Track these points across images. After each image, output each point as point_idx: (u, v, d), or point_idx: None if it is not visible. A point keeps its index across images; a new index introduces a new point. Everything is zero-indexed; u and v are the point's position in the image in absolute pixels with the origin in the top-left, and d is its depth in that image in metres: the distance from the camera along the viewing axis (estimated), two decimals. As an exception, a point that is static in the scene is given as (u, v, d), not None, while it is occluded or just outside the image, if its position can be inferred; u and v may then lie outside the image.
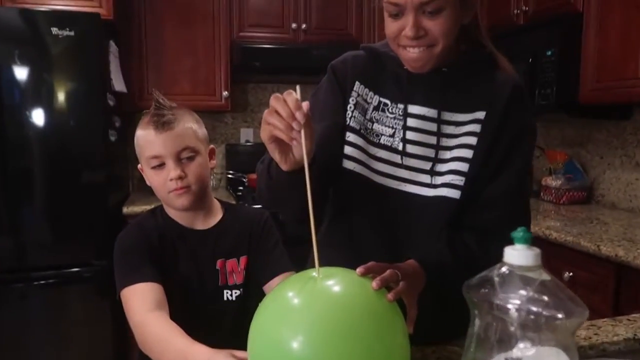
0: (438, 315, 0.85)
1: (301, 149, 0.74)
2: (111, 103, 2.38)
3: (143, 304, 0.92)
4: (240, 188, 2.87)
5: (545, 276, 0.53)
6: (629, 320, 1.03)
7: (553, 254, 1.85)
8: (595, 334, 0.96)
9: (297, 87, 0.77)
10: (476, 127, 0.93)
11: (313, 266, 0.70)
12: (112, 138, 2.40)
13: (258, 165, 0.97)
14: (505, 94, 0.93)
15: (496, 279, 0.54)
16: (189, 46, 2.77)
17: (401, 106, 0.96)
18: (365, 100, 0.99)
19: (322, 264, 0.77)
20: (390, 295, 0.67)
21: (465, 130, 0.94)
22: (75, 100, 2.21)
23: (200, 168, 1.02)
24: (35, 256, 2.24)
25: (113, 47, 2.44)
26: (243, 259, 1.08)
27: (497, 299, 0.52)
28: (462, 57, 0.94)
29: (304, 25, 2.91)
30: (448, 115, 0.94)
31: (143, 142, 1.02)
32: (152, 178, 1.02)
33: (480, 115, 0.93)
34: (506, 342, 0.53)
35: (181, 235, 1.06)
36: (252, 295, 1.10)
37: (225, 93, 2.82)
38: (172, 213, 1.07)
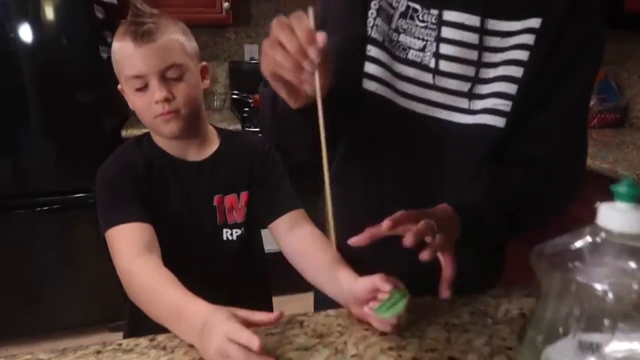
0: (470, 262, 0.72)
1: (314, 86, 0.59)
2: (100, 15, 2.16)
3: (131, 248, 0.79)
4: (246, 109, 2.69)
5: (653, 245, 0.39)
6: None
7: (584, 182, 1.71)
8: None
9: (310, 11, 0.59)
10: (529, 39, 0.75)
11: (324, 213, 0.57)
12: (104, 55, 2.19)
13: (261, 88, 0.80)
14: None
15: (584, 248, 0.39)
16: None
17: (435, 12, 0.77)
18: (391, 5, 0.80)
19: (337, 207, 0.64)
20: (425, 254, 0.54)
21: (515, 43, 0.76)
22: (62, 13, 2.01)
23: (190, 88, 0.85)
24: (36, 181, 2.16)
25: (97, -50, 2.16)
26: (244, 195, 0.94)
27: (583, 275, 0.38)
28: None
29: None
30: (493, 24, 0.76)
31: (120, 58, 0.84)
32: (135, 101, 0.85)
33: (535, 23, 0.75)
34: (588, 316, 0.40)
35: (172, 167, 0.91)
36: (255, 235, 0.99)
37: (225, 4, 2.55)
38: (161, 142, 0.92)
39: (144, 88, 0.83)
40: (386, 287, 0.66)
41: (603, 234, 0.39)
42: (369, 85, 0.80)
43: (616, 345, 0.40)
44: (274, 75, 0.62)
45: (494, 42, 0.77)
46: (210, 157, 0.94)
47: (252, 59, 2.96)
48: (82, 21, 2.06)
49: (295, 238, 0.90)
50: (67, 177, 2.19)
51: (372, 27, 0.79)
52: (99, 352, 0.66)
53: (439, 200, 0.72)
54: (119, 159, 0.92)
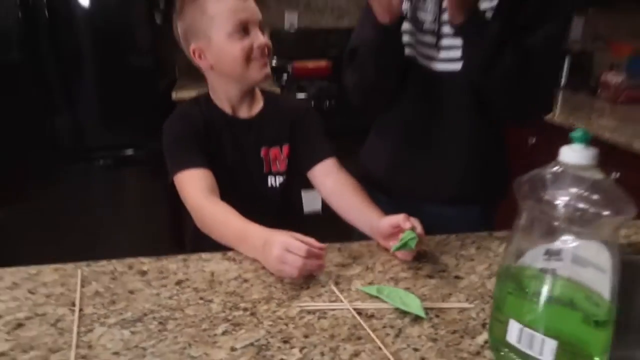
0: (480, 173, 1.05)
1: None
2: (154, -19, 2.32)
3: (198, 189, 0.97)
4: (285, 76, 2.84)
5: (598, 175, 0.54)
6: (672, 221, 1.03)
7: (603, 155, 1.81)
8: (636, 233, 0.98)
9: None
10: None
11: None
12: (158, 20, 2.37)
13: (346, 60, 1.10)
14: None
15: (548, 176, 0.55)
16: None
17: None
18: None
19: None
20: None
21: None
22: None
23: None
24: (91, 137, 2.36)
25: None
26: (285, 147, 1.11)
27: (546, 194, 0.54)
28: None
29: None
30: None
31: (225, 11, 0.97)
32: (233, 47, 0.98)
33: None
34: (550, 235, 0.56)
35: (226, 123, 1.07)
36: (294, 183, 1.15)
37: (269, -28, 2.68)
38: (218, 101, 1.08)
39: (244, 35, 0.98)
40: (407, 224, 0.83)
41: (563, 167, 0.54)
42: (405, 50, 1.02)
43: (572, 249, 0.56)
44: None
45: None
46: (257, 115, 1.10)
47: (291, 26, 3.09)
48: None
49: (331, 182, 1.07)
50: (120, 134, 2.39)
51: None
52: (185, 259, 0.86)
53: (446, 124, 1.05)
54: (182, 115, 1.08)
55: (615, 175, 1.76)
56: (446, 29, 0.99)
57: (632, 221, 1.03)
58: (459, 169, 1.08)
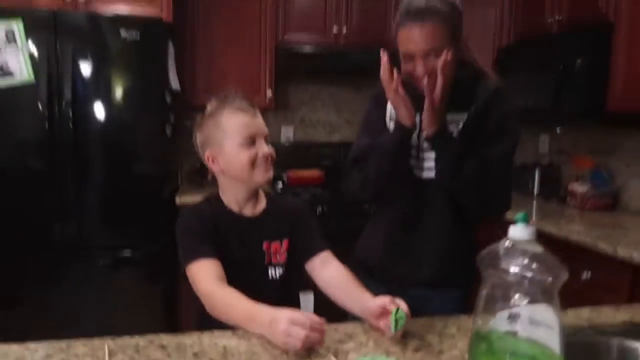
0: (455, 260, 1.24)
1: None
2: (168, 100, 2.62)
3: (209, 277, 1.10)
4: (280, 183, 3.06)
5: (538, 248, 0.70)
6: (629, 307, 1.17)
7: (573, 256, 1.98)
8: (596, 317, 1.11)
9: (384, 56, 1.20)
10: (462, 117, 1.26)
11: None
12: (168, 133, 2.64)
13: (348, 164, 1.39)
14: (488, 93, 1.25)
15: (501, 249, 0.71)
16: (237, 48, 2.99)
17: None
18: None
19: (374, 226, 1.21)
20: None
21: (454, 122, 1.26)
22: (140, 96, 2.47)
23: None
24: (93, 239, 2.48)
25: (171, 48, 2.67)
26: (285, 241, 1.25)
27: (502, 264, 0.69)
28: (458, 74, 1.21)
29: (344, 30, 3.09)
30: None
31: (237, 126, 1.17)
32: (242, 155, 1.16)
33: (464, 115, 1.26)
34: (507, 298, 0.70)
35: (233, 220, 1.23)
36: (293, 273, 1.27)
37: (269, 93, 3.03)
38: (227, 200, 1.24)
39: (251, 145, 1.17)
40: (392, 306, 0.96)
41: (509, 242, 0.70)
42: None
43: (528, 313, 0.70)
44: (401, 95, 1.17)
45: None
46: (261, 213, 1.26)
47: (287, 139, 3.40)
48: (154, 104, 2.51)
49: (328, 272, 1.22)
50: (121, 236, 2.52)
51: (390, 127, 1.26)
52: (199, 336, 0.96)
53: (429, 219, 1.29)
54: (194, 212, 1.25)
55: (586, 274, 1.91)
56: (426, 145, 1.26)
57: (594, 306, 1.16)
58: (438, 257, 1.28)
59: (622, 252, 1.73)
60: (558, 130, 2.95)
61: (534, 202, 2.75)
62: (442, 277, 1.26)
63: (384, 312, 0.98)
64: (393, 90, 1.19)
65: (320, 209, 2.69)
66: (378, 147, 1.27)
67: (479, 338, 0.74)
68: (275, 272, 1.25)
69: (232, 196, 1.24)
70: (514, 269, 0.69)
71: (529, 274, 0.68)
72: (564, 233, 2.01)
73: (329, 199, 2.81)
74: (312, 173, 3.13)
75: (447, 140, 1.21)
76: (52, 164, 2.40)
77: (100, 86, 2.43)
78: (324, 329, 0.91)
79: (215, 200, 1.26)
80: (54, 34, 2.33)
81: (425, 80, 1.16)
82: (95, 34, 2.39)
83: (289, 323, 0.88)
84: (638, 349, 1.01)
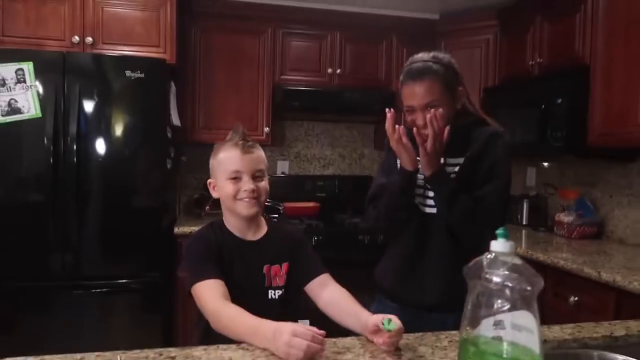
0: (455, 286, 1.19)
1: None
2: (169, 135, 2.73)
3: (214, 295, 1.18)
4: (276, 215, 3.14)
5: (517, 260, 0.78)
6: (609, 324, 1.24)
7: (561, 281, 2.06)
8: (579, 332, 1.18)
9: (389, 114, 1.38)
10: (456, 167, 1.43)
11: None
12: (169, 166, 2.73)
13: (369, 210, 1.54)
14: (484, 138, 1.42)
15: (485, 261, 0.79)
16: (236, 87, 3.13)
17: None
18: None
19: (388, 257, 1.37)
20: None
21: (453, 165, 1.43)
22: (142, 131, 2.57)
23: (265, 186, 1.32)
24: (91, 268, 2.53)
25: (172, 87, 2.81)
26: (285, 265, 1.34)
27: (486, 275, 0.77)
28: (458, 123, 1.40)
29: (338, 70, 3.25)
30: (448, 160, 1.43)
31: (227, 160, 1.28)
32: (227, 187, 1.28)
33: (460, 160, 1.42)
34: (491, 303, 0.78)
35: (236, 244, 1.32)
36: (292, 295, 1.35)
37: (266, 129, 3.15)
38: (230, 226, 1.34)
39: (238, 180, 1.27)
40: (380, 319, 1.04)
41: (494, 254, 0.78)
42: None
43: (510, 319, 0.77)
44: (402, 144, 1.34)
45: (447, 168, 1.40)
46: (262, 238, 1.35)
47: (282, 172, 3.50)
48: (156, 139, 2.61)
49: (327, 293, 1.30)
50: (119, 265, 2.56)
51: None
52: (205, 349, 1.02)
53: (433, 249, 1.43)
54: (200, 237, 1.34)
55: (573, 298, 1.98)
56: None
57: (577, 323, 1.23)
58: (443, 282, 1.39)
59: (606, 276, 1.81)
60: (546, 164, 3.08)
61: (523, 232, 2.84)
62: (447, 300, 1.32)
63: (379, 329, 1.05)
64: (395, 140, 1.37)
65: (315, 238, 2.76)
66: (387, 187, 1.46)
67: (468, 343, 0.81)
68: (274, 294, 1.32)
69: (233, 222, 1.34)
70: (496, 279, 0.77)
71: (510, 283, 0.76)
72: (551, 260, 2.09)
73: (324, 229, 2.89)
74: (308, 204, 3.22)
75: (442, 180, 1.38)
76: (55, 196, 2.46)
77: (104, 122, 2.53)
78: (325, 341, 0.97)
79: (218, 226, 1.35)
80: (62, 74, 2.45)
81: (416, 132, 1.36)
82: (101, 73, 2.51)
83: (291, 335, 0.95)
84: (617, 360, 1.08)
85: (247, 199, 1.27)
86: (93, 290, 2.52)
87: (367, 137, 3.68)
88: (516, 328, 0.78)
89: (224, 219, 1.36)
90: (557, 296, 2.06)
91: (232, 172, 1.27)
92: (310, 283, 1.33)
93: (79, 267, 2.51)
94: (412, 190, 1.43)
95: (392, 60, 3.32)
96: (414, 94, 1.39)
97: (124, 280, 2.56)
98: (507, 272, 0.77)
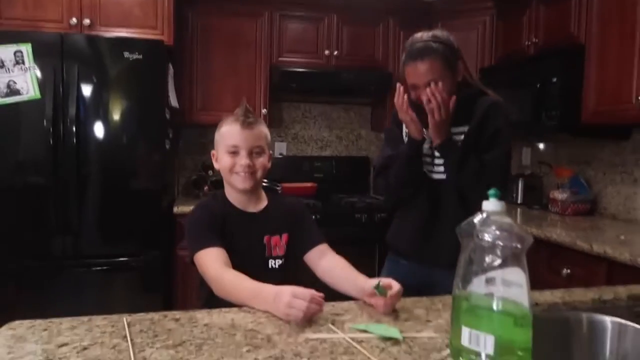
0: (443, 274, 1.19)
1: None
2: (167, 116, 2.75)
3: (216, 262, 1.22)
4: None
5: (508, 219, 0.82)
6: (598, 289, 1.29)
7: (555, 255, 2.10)
8: (569, 296, 1.22)
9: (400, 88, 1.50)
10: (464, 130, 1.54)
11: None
12: (167, 147, 2.75)
13: (379, 178, 1.69)
14: (484, 108, 1.52)
15: (477, 220, 0.82)
16: (234, 69, 3.14)
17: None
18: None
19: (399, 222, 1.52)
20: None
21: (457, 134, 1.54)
22: (141, 112, 2.59)
23: (263, 163, 1.34)
24: (91, 248, 2.57)
25: (170, 69, 2.81)
26: (285, 236, 1.38)
27: (478, 232, 0.81)
28: (460, 94, 1.48)
29: (335, 52, 3.26)
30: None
31: (227, 133, 1.32)
32: (225, 160, 1.32)
33: (464, 128, 1.53)
34: (482, 260, 0.81)
35: (237, 215, 1.36)
36: (291, 265, 1.39)
37: (264, 110, 3.17)
38: (231, 198, 1.38)
39: (235, 154, 1.31)
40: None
41: (484, 213, 0.82)
42: None
43: (501, 275, 0.81)
44: (410, 115, 1.47)
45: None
46: (263, 210, 1.40)
47: (280, 153, 3.52)
48: (154, 120, 2.63)
49: (325, 262, 1.34)
50: (119, 245, 2.61)
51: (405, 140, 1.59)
52: (208, 312, 1.06)
53: (443, 212, 1.55)
54: (202, 207, 1.38)
55: (566, 271, 2.03)
56: (436, 152, 1.55)
57: (567, 289, 1.28)
58: (451, 242, 1.39)
59: (597, 248, 1.86)
60: (542, 146, 3.11)
61: (518, 210, 2.88)
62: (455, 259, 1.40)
63: (373, 296, 1.09)
64: (404, 112, 1.48)
65: (313, 217, 2.78)
66: (396, 157, 1.58)
67: (461, 299, 0.85)
68: (274, 263, 1.37)
69: (233, 195, 1.38)
70: (487, 237, 0.80)
71: (500, 241, 0.80)
72: (545, 234, 2.13)
73: (321, 209, 2.92)
74: (305, 185, 3.25)
75: (451, 148, 1.49)
76: (56, 178, 2.48)
77: (103, 103, 2.54)
78: (323, 301, 1.01)
79: (221, 196, 1.40)
80: (60, 55, 2.45)
81: (426, 105, 1.45)
82: (99, 54, 2.52)
83: (291, 296, 0.98)
84: (605, 321, 1.12)
85: (242, 173, 1.31)
86: (94, 269, 2.56)
87: (363, 119, 3.71)
88: (506, 284, 0.82)
89: (225, 191, 1.40)
90: (550, 270, 2.11)
91: (230, 146, 1.31)
92: (309, 252, 1.37)
93: (79, 247, 2.55)
94: (420, 158, 1.55)
95: (388, 42, 3.33)
96: (417, 72, 1.48)
97: (124, 259, 2.60)
98: (498, 231, 0.81)
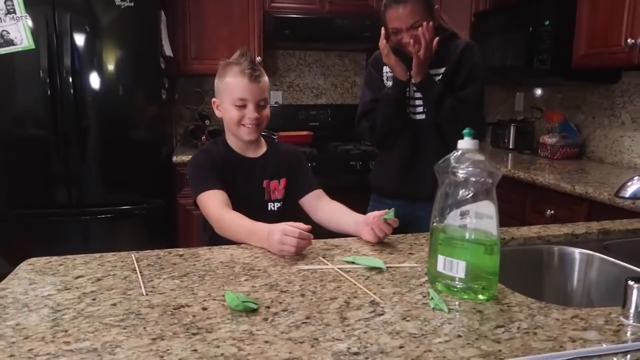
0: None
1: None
2: (162, 66, 2.76)
3: (218, 203, 1.29)
4: (271, 144, 3.23)
5: (480, 156, 0.89)
6: (572, 224, 1.38)
7: (539, 197, 2.19)
8: (544, 231, 1.31)
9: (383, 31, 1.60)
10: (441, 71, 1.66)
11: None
12: (163, 97, 2.78)
13: (362, 123, 1.77)
14: (459, 50, 1.63)
15: (452, 157, 0.89)
16: (227, 16, 3.11)
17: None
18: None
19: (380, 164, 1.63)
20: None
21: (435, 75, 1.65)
22: (135, 62, 2.61)
23: (267, 114, 1.39)
24: (95, 197, 2.67)
25: (163, 16, 2.79)
26: (283, 181, 1.45)
27: (453, 168, 0.88)
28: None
29: (329, -3, 3.22)
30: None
31: (234, 86, 1.33)
32: (232, 112, 1.35)
33: (442, 69, 1.64)
34: (457, 194, 0.89)
35: (238, 161, 1.43)
36: (289, 208, 1.47)
37: (258, 58, 3.17)
38: (232, 143, 1.43)
39: (242, 107, 1.34)
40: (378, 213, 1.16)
41: (460, 151, 0.89)
42: None
43: (474, 208, 0.89)
44: (395, 58, 1.58)
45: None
46: (262, 156, 1.46)
47: (276, 102, 3.55)
48: (149, 69, 2.65)
49: (322, 205, 1.43)
50: (122, 193, 2.70)
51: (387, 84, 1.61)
52: (209, 248, 1.15)
53: (425, 149, 1.69)
54: (204, 152, 1.44)
55: (550, 212, 2.12)
56: (417, 94, 1.66)
57: (543, 224, 1.37)
58: (432, 178, 1.50)
59: (579, 189, 1.94)
60: (535, 91, 3.13)
61: (509, 155, 2.95)
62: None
63: (372, 221, 1.17)
64: (388, 55, 1.58)
65: (309, 165, 2.87)
66: (382, 99, 1.67)
67: (438, 231, 0.93)
68: (274, 206, 1.45)
69: (234, 142, 1.43)
70: (461, 172, 0.87)
71: (472, 177, 0.87)
72: (531, 177, 2.22)
73: (317, 156, 2.99)
74: (301, 134, 3.30)
75: (430, 85, 1.60)
76: (56, 130, 2.54)
77: (97, 53, 2.55)
78: (311, 235, 1.09)
79: (222, 142, 1.45)
80: (52, 4, 2.44)
81: (411, 46, 1.54)
82: (91, 2, 2.50)
83: (282, 233, 1.06)
84: (574, 252, 1.22)
85: (250, 125, 1.35)
86: (99, 216, 2.66)
87: (358, 66, 3.70)
88: (479, 216, 0.90)
89: (226, 137, 1.45)
90: (535, 211, 2.21)
91: (238, 100, 1.33)
92: (306, 197, 1.45)
93: (83, 197, 2.64)
94: (405, 98, 1.65)
95: (383, -15, 3.28)
96: (399, 16, 1.55)
97: (127, 207, 2.69)
98: (470, 167, 0.88)
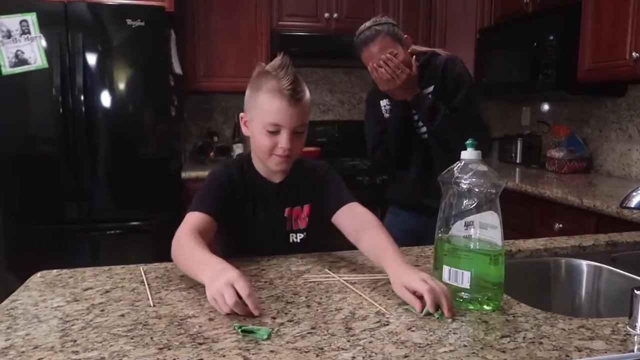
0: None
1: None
2: (172, 84, 2.81)
3: (188, 226, 1.07)
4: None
5: (483, 167, 0.89)
6: (580, 237, 1.37)
7: (547, 211, 2.19)
8: (551, 243, 1.31)
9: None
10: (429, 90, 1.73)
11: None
12: (173, 114, 2.82)
13: (377, 154, 1.84)
14: (441, 65, 1.70)
15: (455, 168, 0.90)
16: (235, 35, 3.17)
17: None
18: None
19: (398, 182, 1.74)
20: None
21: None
22: (145, 79, 2.66)
23: (301, 143, 1.16)
24: (104, 213, 2.69)
25: (172, 35, 2.85)
26: (306, 207, 1.24)
27: (456, 179, 0.89)
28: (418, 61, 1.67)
29: (335, 15, 3.27)
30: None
31: (270, 107, 1.08)
32: (262, 137, 1.12)
33: (431, 88, 1.71)
34: (461, 204, 0.90)
35: (259, 185, 1.22)
36: (314, 239, 1.26)
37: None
38: (257, 166, 1.23)
39: (275, 133, 1.10)
40: (425, 286, 0.85)
41: (462, 162, 0.90)
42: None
43: (478, 219, 0.89)
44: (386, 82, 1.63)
45: None
46: (285, 180, 1.23)
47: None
48: (159, 87, 2.70)
49: (356, 222, 1.14)
50: (130, 209, 2.72)
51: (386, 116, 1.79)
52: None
53: (437, 162, 1.73)
54: (226, 169, 1.22)
55: (558, 225, 2.11)
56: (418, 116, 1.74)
57: (550, 237, 1.36)
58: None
59: (587, 202, 1.93)
60: (541, 105, 3.14)
61: (517, 170, 2.95)
62: None
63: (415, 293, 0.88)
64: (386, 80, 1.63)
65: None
66: (390, 125, 1.76)
67: (443, 241, 0.94)
68: (296, 237, 1.25)
69: (260, 165, 1.23)
70: (464, 183, 0.88)
71: (476, 187, 0.88)
72: (539, 191, 2.21)
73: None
74: (309, 149, 3.32)
75: (422, 99, 1.67)
76: (67, 147, 2.58)
77: (108, 72, 2.61)
78: (260, 308, 0.84)
79: (247, 162, 1.25)
80: (65, 24, 2.51)
81: (371, 71, 1.65)
82: (103, 22, 2.57)
83: (231, 283, 0.82)
84: (581, 265, 1.22)
85: (280, 156, 1.13)
86: (108, 232, 2.69)
87: (365, 82, 3.73)
88: (483, 227, 0.90)
89: (252, 156, 1.24)
90: (543, 225, 2.20)
91: (270, 125, 1.10)
92: (336, 213, 1.19)
93: (93, 212, 2.67)
94: (410, 117, 1.73)
95: (388, 4, 3.33)
96: (372, 54, 1.64)
97: (136, 222, 2.72)
98: (474, 178, 0.89)
